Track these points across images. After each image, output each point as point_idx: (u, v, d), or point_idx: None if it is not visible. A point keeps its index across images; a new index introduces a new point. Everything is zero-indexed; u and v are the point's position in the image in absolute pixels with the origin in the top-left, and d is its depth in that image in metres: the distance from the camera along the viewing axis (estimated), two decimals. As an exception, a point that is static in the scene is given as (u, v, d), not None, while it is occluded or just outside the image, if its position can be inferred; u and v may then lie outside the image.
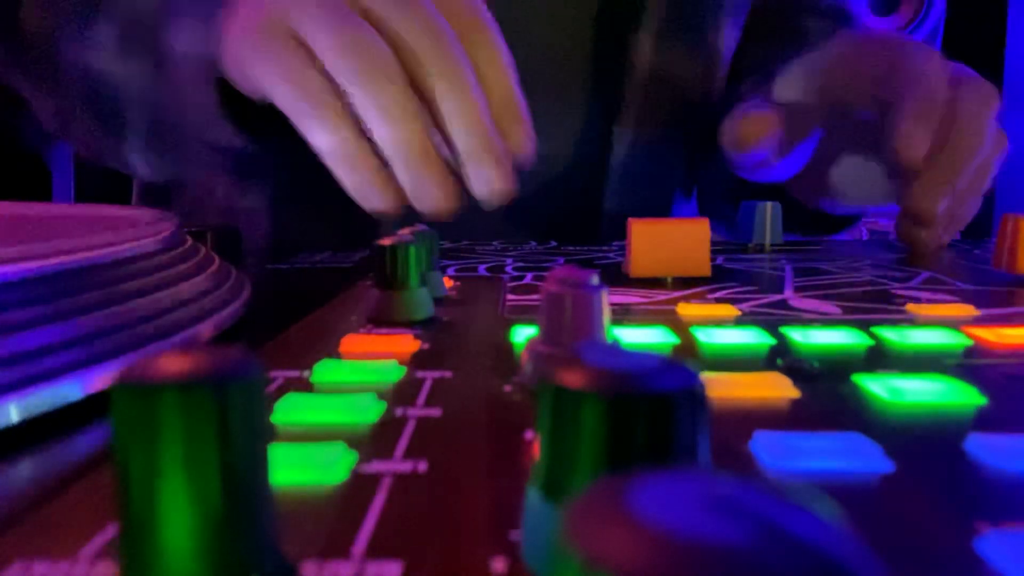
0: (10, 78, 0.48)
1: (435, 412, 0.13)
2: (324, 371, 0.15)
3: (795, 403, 0.13)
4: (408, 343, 0.17)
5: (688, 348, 0.17)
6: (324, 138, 0.33)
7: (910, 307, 0.22)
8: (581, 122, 0.53)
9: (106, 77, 0.41)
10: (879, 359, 0.16)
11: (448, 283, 0.26)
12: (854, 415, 0.13)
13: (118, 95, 0.42)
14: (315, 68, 0.33)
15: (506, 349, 0.17)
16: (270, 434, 0.12)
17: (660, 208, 0.57)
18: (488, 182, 0.34)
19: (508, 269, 0.30)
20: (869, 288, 0.25)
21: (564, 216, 0.52)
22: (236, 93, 0.38)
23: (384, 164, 0.34)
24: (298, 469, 0.10)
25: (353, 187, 0.34)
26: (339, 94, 0.33)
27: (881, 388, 0.14)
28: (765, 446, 0.11)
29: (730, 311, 0.21)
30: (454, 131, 0.34)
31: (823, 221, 0.51)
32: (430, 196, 0.34)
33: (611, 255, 0.36)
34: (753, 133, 0.40)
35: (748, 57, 0.55)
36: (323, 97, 0.33)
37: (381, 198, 0.34)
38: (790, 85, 0.42)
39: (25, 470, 0.12)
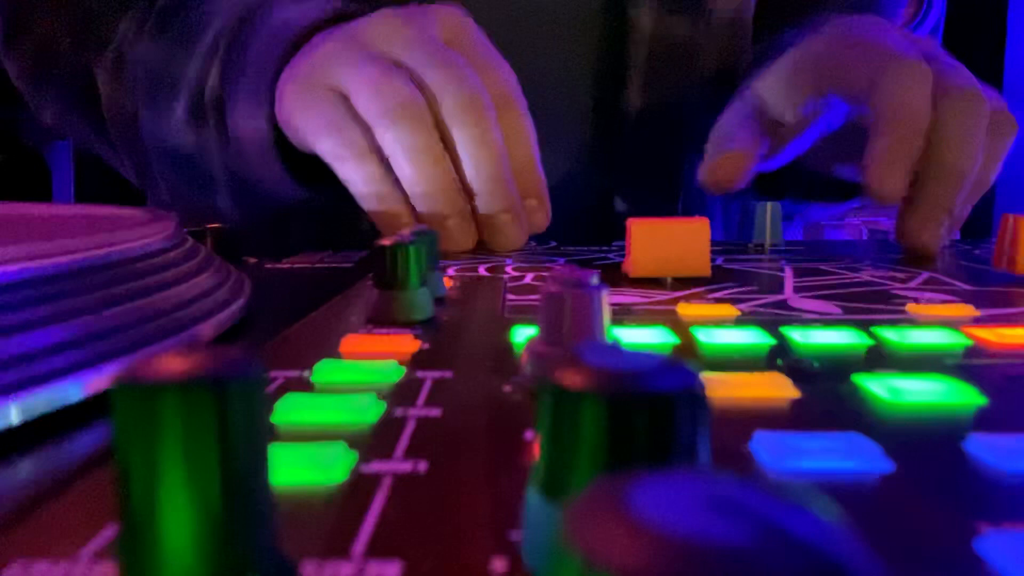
0: (92, 146, 0.50)
1: (435, 412, 0.13)
2: (324, 371, 0.15)
3: (795, 403, 0.13)
4: (408, 343, 0.17)
5: (688, 348, 0.17)
6: (359, 182, 0.36)
7: (910, 307, 0.22)
8: (587, 97, 0.52)
9: (184, 145, 0.44)
10: (879, 359, 0.16)
11: (448, 283, 0.26)
12: (854, 415, 0.13)
13: (198, 159, 0.44)
14: (353, 119, 0.35)
15: (506, 349, 0.17)
16: (270, 434, 0.12)
17: (670, 195, 0.55)
18: (502, 233, 0.36)
19: (508, 269, 0.30)
20: (869, 288, 0.25)
21: (572, 213, 0.51)
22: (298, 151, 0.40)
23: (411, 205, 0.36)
24: (298, 469, 0.10)
25: (382, 227, 0.36)
26: (375, 143, 0.35)
27: (881, 388, 0.14)
28: (765, 446, 0.11)
29: (730, 311, 0.21)
30: (475, 182, 0.35)
31: (840, 187, 0.49)
32: (449, 234, 0.35)
33: (611, 255, 0.36)
34: (728, 176, 0.40)
35: (763, 35, 0.53)
36: (360, 145, 0.35)
37: (397, 226, 0.36)
38: (771, 87, 0.41)
39: (25, 470, 0.12)
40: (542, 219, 0.39)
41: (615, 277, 0.28)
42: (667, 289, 0.25)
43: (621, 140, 0.51)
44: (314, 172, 0.42)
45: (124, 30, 0.46)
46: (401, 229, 0.35)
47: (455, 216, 0.36)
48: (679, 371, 0.07)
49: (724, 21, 0.52)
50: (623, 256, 0.32)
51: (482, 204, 0.36)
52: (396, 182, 0.36)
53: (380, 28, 0.36)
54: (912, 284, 0.26)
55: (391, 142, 0.34)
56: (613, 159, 0.52)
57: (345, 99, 0.36)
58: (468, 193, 0.36)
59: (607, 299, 0.14)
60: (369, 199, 0.36)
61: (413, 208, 0.36)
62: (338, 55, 0.36)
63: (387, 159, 0.36)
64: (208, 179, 0.44)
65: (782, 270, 0.30)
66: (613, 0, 0.50)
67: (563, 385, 0.07)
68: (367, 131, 0.35)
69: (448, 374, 0.15)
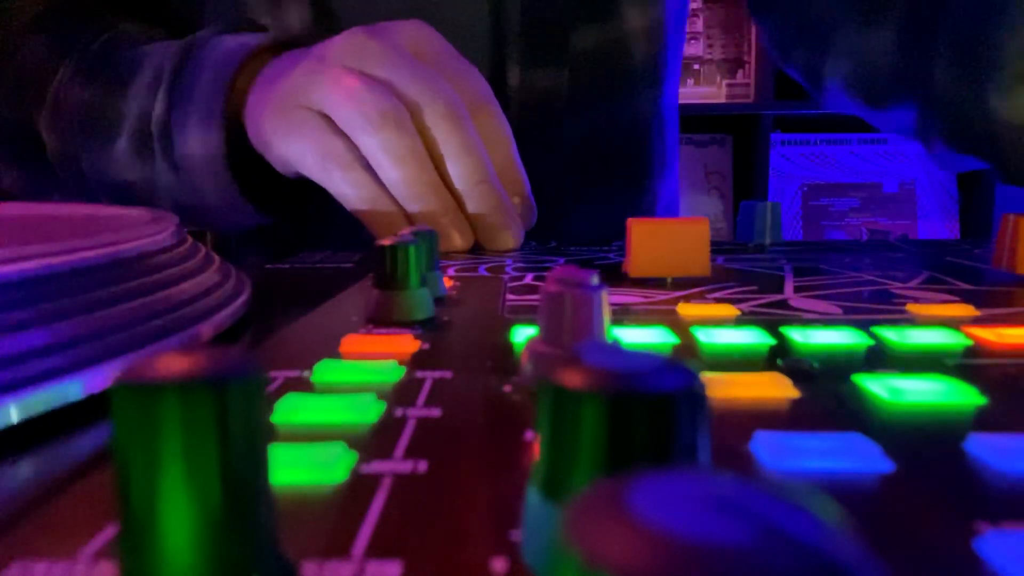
0: (40, 191, 0.52)
1: (435, 412, 0.13)
2: (324, 371, 0.15)
3: (795, 403, 0.13)
4: (408, 343, 0.17)
5: (688, 348, 0.17)
6: (350, 191, 0.36)
7: (910, 307, 0.22)
8: None
9: (126, 178, 0.45)
10: (879, 359, 0.16)
11: (448, 283, 0.26)
12: (854, 415, 0.13)
13: (141, 190, 0.45)
14: (335, 132, 0.36)
15: (506, 349, 0.17)
16: (270, 434, 0.12)
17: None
18: (498, 232, 0.37)
19: (508, 269, 0.30)
20: (869, 288, 0.25)
21: None
22: (256, 178, 0.42)
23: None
24: (298, 469, 0.10)
25: (378, 232, 0.37)
26: (359, 154, 0.36)
27: (881, 388, 0.14)
28: (765, 446, 0.11)
29: (730, 311, 0.21)
30: (463, 184, 0.36)
31: None
32: (444, 233, 0.36)
33: (611, 255, 0.36)
34: None
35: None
36: (345, 156, 0.36)
37: (392, 230, 0.36)
38: None
39: (25, 470, 0.12)
40: (528, 216, 0.40)
41: (615, 277, 0.28)
42: (667, 289, 0.25)
43: None
44: (272, 197, 0.44)
45: (59, 79, 0.47)
46: (391, 230, 0.36)
47: (448, 215, 0.36)
48: (679, 371, 0.07)
49: (595, 63, 0.52)
50: (623, 256, 0.32)
51: (472, 205, 0.37)
52: (386, 188, 0.36)
53: (349, 46, 0.37)
54: (912, 284, 0.26)
55: (376, 148, 0.35)
56: None
57: (324, 117, 0.36)
58: (457, 197, 0.37)
59: (607, 299, 0.14)
60: (361, 205, 0.37)
61: (405, 212, 0.37)
62: (311, 75, 0.37)
63: (373, 169, 0.36)
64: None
65: (782, 270, 0.30)
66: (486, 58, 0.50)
67: (563, 385, 0.07)
68: (350, 143, 0.36)
69: (448, 374, 0.15)
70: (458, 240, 0.37)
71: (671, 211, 0.63)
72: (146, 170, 0.43)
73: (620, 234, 0.39)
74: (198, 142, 0.40)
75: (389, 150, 0.35)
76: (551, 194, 0.51)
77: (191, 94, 0.41)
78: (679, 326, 0.19)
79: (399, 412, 0.13)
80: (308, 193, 0.41)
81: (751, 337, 0.18)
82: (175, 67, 0.42)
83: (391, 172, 0.35)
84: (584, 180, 0.55)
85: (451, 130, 0.35)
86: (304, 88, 0.37)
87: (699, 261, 0.27)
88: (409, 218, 0.37)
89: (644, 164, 0.58)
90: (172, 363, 0.07)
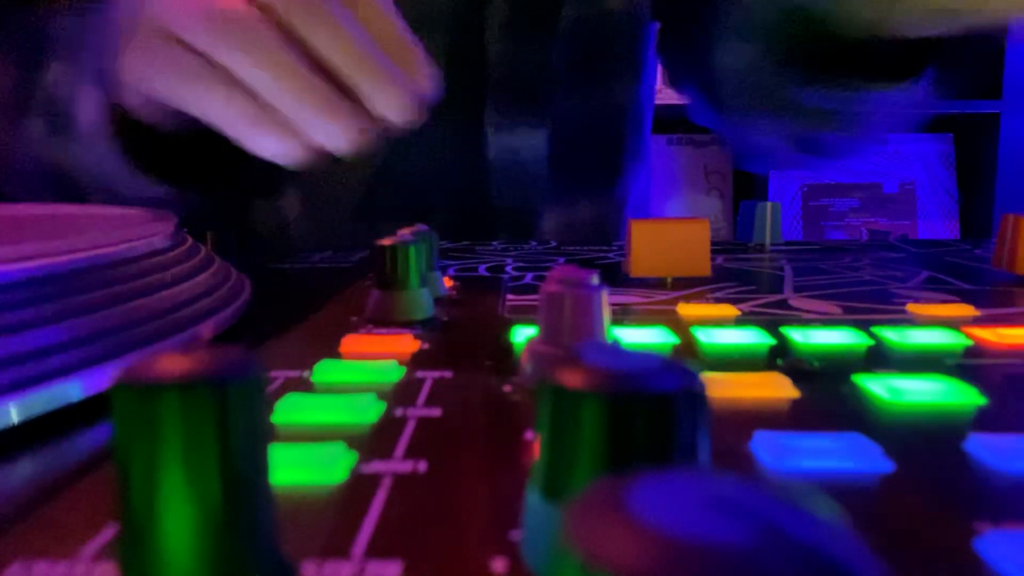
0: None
1: (435, 412, 0.13)
2: (324, 371, 0.15)
3: (795, 403, 0.13)
4: (408, 343, 0.17)
5: (688, 348, 0.17)
6: (219, 109, 0.32)
7: (910, 307, 0.22)
8: (452, 124, 0.52)
9: (40, 161, 0.43)
10: (879, 359, 0.16)
11: (448, 283, 0.26)
12: (854, 415, 0.13)
13: (61, 174, 0.43)
14: (194, 54, 0.33)
15: (506, 349, 0.17)
16: (270, 434, 0.12)
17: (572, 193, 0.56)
18: (388, 99, 0.33)
19: (508, 269, 0.30)
20: (869, 288, 0.25)
21: (458, 214, 0.51)
22: (153, 147, 0.40)
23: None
24: (298, 469, 0.10)
25: (261, 146, 0.33)
26: (225, 73, 0.33)
27: (881, 388, 0.14)
28: (765, 446, 0.11)
29: (730, 311, 0.21)
30: (340, 60, 0.32)
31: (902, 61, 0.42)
32: (331, 128, 0.32)
33: (611, 255, 0.36)
34: None
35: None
36: (206, 73, 0.32)
37: (287, 146, 0.33)
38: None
39: (25, 470, 0.12)
40: (426, 81, 0.35)
41: (615, 277, 0.28)
42: (667, 289, 0.25)
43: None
44: (182, 167, 0.42)
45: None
46: (277, 137, 0.33)
47: (332, 100, 0.32)
48: (679, 371, 0.07)
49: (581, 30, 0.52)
50: (623, 256, 0.32)
51: (357, 79, 0.32)
52: (254, 96, 0.33)
53: None
54: (912, 284, 0.26)
55: (238, 62, 0.32)
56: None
57: (179, 42, 0.33)
58: (342, 87, 0.32)
59: (607, 299, 0.14)
60: (235, 122, 0.33)
61: (288, 118, 0.33)
62: (155, 5, 0.34)
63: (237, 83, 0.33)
64: (79, 191, 0.44)
65: (782, 270, 0.30)
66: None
67: (563, 385, 0.07)
68: (205, 59, 0.33)
69: (448, 374, 0.15)
70: (348, 134, 0.32)
71: (641, 208, 0.63)
72: (59, 146, 0.42)
73: (588, 224, 0.38)
74: (90, 105, 0.39)
75: (252, 60, 0.31)
76: (528, 174, 0.51)
77: (85, 56, 0.39)
78: (679, 326, 0.19)
79: (399, 412, 0.13)
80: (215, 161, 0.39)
81: (751, 337, 0.18)
82: (76, 33, 0.41)
83: (258, 75, 0.32)
84: (560, 164, 0.54)
85: (309, 12, 0.32)
86: (152, 21, 0.34)
87: (699, 261, 0.27)
88: (293, 125, 0.33)
89: (619, 154, 0.58)
90: (172, 363, 0.07)
